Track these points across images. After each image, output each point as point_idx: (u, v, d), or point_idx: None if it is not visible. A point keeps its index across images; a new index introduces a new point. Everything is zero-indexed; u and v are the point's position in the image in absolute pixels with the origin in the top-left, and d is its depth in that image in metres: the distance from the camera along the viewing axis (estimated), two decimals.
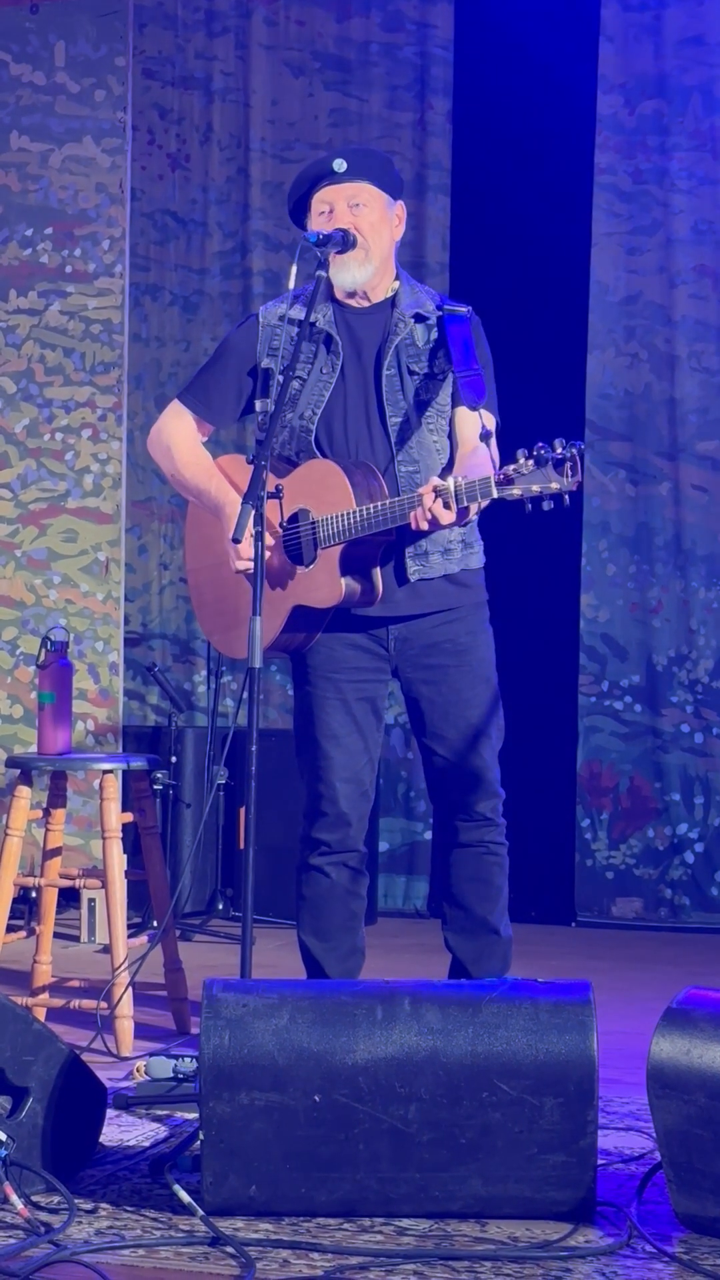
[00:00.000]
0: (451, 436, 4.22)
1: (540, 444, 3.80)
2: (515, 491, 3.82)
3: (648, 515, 7.13)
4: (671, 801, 7.04)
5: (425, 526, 3.96)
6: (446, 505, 3.91)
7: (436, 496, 3.91)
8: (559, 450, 3.80)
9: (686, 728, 7.05)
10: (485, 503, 4.01)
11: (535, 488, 3.81)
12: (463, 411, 4.18)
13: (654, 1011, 3.18)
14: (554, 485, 3.81)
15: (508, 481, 3.82)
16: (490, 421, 4.13)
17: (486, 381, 4.16)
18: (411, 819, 7.36)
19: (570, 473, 3.80)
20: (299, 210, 4.29)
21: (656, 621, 7.11)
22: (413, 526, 3.99)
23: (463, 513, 3.96)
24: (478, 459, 4.06)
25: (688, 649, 7.07)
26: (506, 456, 3.89)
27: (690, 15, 7.10)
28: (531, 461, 3.80)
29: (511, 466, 3.82)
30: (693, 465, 7.08)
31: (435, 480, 3.95)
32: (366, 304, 4.25)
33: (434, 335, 4.21)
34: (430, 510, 3.91)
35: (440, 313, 4.23)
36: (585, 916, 7.12)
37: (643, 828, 7.09)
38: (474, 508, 3.99)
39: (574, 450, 3.80)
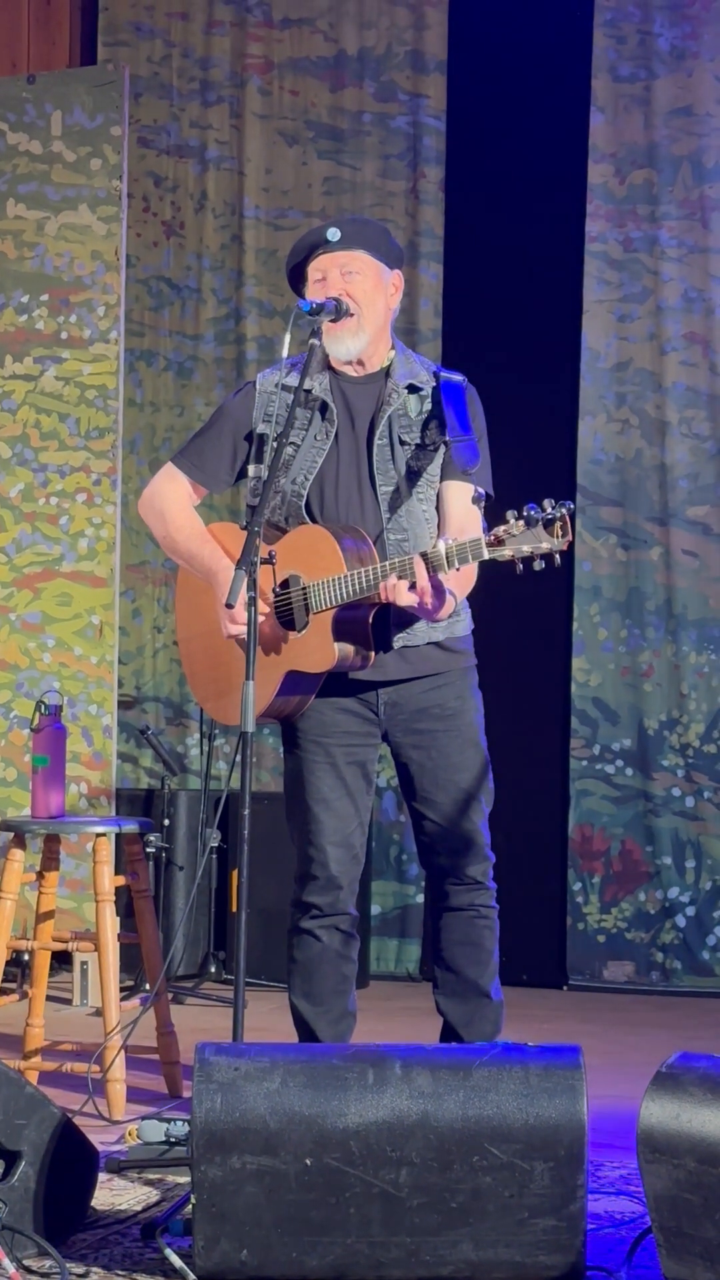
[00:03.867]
0: (441, 509, 4.24)
1: (529, 505, 3.83)
2: (506, 553, 3.85)
3: (639, 580, 7.17)
4: (663, 865, 7.06)
5: (406, 601, 3.98)
6: (436, 569, 3.94)
7: (426, 563, 3.93)
8: (548, 510, 3.82)
9: (677, 791, 7.07)
10: (464, 592, 4.08)
11: (526, 548, 3.84)
12: (451, 485, 4.21)
13: (646, 1076, 3.18)
14: (544, 546, 3.83)
15: (498, 543, 3.85)
16: (481, 489, 4.16)
17: (480, 451, 4.19)
18: (404, 882, 7.37)
19: (560, 532, 3.82)
20: (296, 279, 4.34)
21: (647, 685, 7.14)
22: (384, 597, 4.01)
23: (439, 595, 3.98)
24: (468, 526, 4.10)
25: (679, 713, 7.10)
26: (496, 521, 3.92)
27: (679, 86, 7.19)
28: (522, 522, 3.83)
29: (502, 528, 3.85)
30: (683, 530, 7.12)
31: (422, 552, 3.98)
32: (362, 372, 4.29)
33: (427, 406, 4.24)
34: (398, 589, 3.95)
35: (435, 381, 4.26)
36: (577, 980, 7.12)
37: (634, 891, 7.10)
38: (450, 604, 4.02)
39: (564, 510, 3.82)
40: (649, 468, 7.18)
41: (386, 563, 4.01)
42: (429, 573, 3.93)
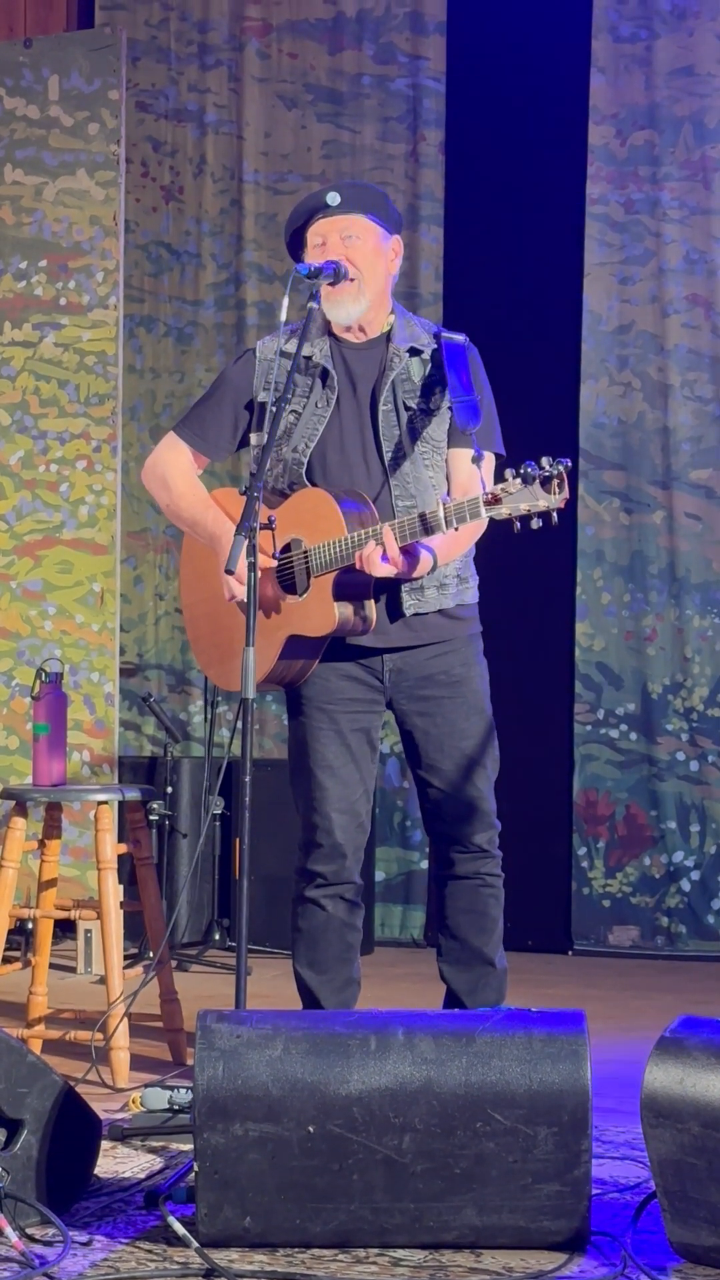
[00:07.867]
0: (449, 477, 4.22)
1: (527, 463, 3.82)
2: (504, 511, 3.84)
3: (642, 544, 7.14)
4: (667, 829, 7.05)
5: (381, 572, 3.97)
6: (434, 529, 3.93)
7: (424, 524, 3.93)
8: (546, 468, 3.81)
9: (682, 755, 7.06)
10: (453, 554, 4.05)
11: (524, 506, 3.83)
12: (456, 453, 4.19)
13: (651, 1040, 3.18)
14: (541, 503, 3.82)
15: (495, 501, 3.84)
16: (488, 455, 4.15)
17: (484, 410, 4.17)
18: (408, 849, 7.36)
19: (558, 490, 3.81)
20: (295, 244, 4.30)
21: (651, 650, 7.12)
22: (359, 566, 4.00)
23: (411, 558, 3.98)
24: (470, 489, 4.09)
25: (682, 677, 7.08)
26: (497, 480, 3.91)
27: (680, 46, 7.14)
28: (519, 480, 3.82)
29: (499, 486, 3.84)
30: (686, 493, 7.09)
31: (421, 513, 3.97)
32: (363, 338, 4.26)
33: (429, 369, 4.22)
34: (371, 559, 3.95)
35: (436, 343, 4.24)
36: (582, 945, 7.11)
37: (639, 856, 7.10)
38: (426, 562, 4.02)
39: (561, 468, 3.81)
40: (651, 431, 7.15)
41: (387, 524, 3.99)
42: (419, 533, 3.93)
